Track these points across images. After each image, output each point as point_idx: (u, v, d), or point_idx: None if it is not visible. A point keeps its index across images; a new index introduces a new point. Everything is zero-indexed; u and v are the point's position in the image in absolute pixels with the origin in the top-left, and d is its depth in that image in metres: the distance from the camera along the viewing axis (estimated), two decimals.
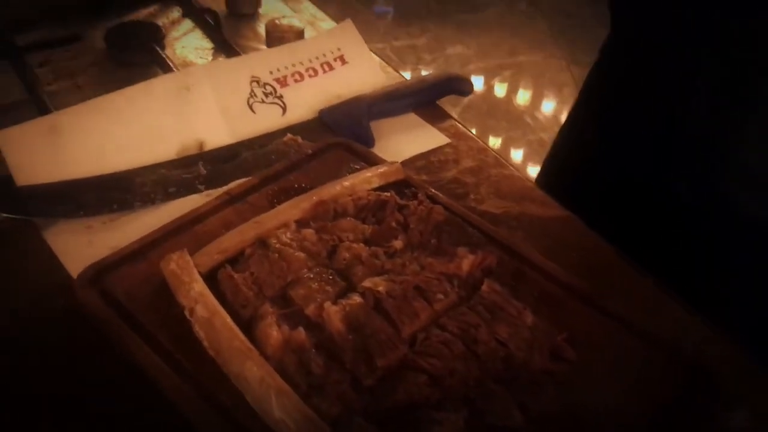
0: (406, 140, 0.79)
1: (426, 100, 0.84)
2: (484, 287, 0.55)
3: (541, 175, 1.05)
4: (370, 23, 3.22)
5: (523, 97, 2.88)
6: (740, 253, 0.80)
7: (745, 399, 0.56)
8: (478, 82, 2.88)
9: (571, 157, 1.00)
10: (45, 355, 0.57)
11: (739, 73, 0.74)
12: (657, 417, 0.52)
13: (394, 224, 0.60)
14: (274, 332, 0.52)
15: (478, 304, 0.54)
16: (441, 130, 0.81)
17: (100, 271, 0.59)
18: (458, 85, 0.85)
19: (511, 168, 0.78)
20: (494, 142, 2.63)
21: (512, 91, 2.90)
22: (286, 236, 0.59)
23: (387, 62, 0.92)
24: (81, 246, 0.65)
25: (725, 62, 0.75)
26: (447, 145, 0.79)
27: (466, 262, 0.57)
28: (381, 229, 0.60)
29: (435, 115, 0.83)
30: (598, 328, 0.58)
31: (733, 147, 0.77)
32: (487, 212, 0.72)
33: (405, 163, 0.75)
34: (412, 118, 0.83)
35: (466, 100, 2.66)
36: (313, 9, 1.00)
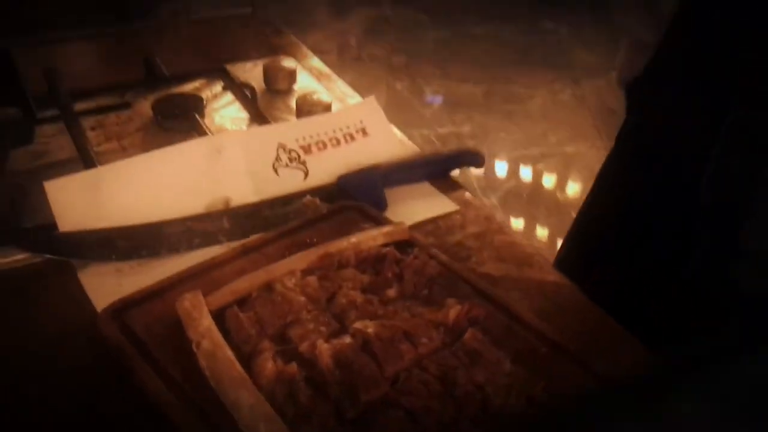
0: (416, 206, 0.85)
1: (439, 171, 0.90)
2: (467, 335, 0.60)
3: (559, 254, 1.09)
4: (417, 110, 3.34)
5: (572, 188, 2.90)
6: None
7: None
8: (525, 172, 2.92)
9: (588, 239, 1.04)
10: (68, 379, 0.63)
11: (751, 159, 0.79)
12: None
13: (390, 275, 0.65)
14: (269, 365, 0.57)
15: (460, 350, 0.59)
16: (452, 198, 0.87)
17: (122, 307, 0.66)
18: (470, 158, 0.91)
19: (514, 235, 0.83)
20: (541, 233, 2.62)
21: (558, 180, 2.93)
22: (290, 282, 0.65)
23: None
24: (110, 286, 0.71)
25: (737, 149, 0.79)
26: (455, 211, 0.85)
27: (453, 311, 0.62)
28: (377, 279, 0.65)
29: (447, 186, 0.89)
30: (580, 383, 0.61)
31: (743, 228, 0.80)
32: (488, 274, 0.76)
33: (414, 227, 0.80)
34: (426, 186, 0.89)
35: (510, 187, 2.71)
36: (344, 87, 1.08)
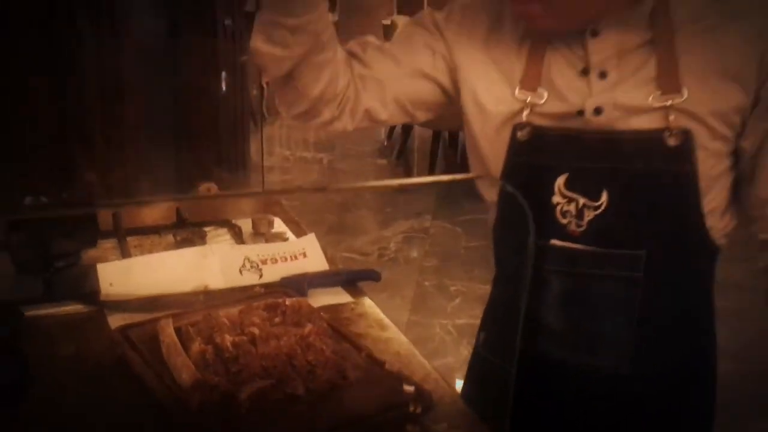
0: (326, 296, 1.31)
1: (348, 281, 1.37)
2: (307, 330, 1.05)
3: None
4: (440, 303, 3.81)
5: None
6: None
7: None
8: None
9: None
10: (95, 389, 1.09)
11: None
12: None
13: (279, 313, 1.12)
14: (195, 346, 1.03)
15: (302, 342, 1.03)
16: (352, 296, 1.33)
17: (128, 328, 1.14)
18: (370, 275, 1.38)
19: (392, 331, 1.26)
20: None
21: None
22: (222, 313, 1.12)
23: None
24: (123, 321, 1.19)
25: None
26: (350, 303, 1.31)
27: (308, 327, 1.07)
28: (269, 315, 1.12)
29: (353, 291, 1.36)
30: (377, 374, 1.03)
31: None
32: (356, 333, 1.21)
33: (321, 307, 1.26)
34: (338, 289, 1.36)
35: None
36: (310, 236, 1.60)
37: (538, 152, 1.05)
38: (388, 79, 1.11)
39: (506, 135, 1.06)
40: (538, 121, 1.04)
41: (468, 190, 4.96)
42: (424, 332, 3.52)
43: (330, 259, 1.46)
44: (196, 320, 1.12)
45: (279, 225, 1.61)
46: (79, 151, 2.39)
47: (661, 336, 1.07)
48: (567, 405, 1.10)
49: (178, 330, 1.10)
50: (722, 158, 1.01)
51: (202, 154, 2.97)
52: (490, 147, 1.10)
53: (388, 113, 1.13)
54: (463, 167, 1.28)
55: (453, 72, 1.11)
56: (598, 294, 1.04)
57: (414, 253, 4.44)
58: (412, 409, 0.98)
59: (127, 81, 2.47)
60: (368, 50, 1.12)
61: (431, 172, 5.75)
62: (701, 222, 1.01)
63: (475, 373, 1.27)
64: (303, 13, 0.99)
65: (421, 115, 1.16)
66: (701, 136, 0.98)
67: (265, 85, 6.25)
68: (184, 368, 1.00)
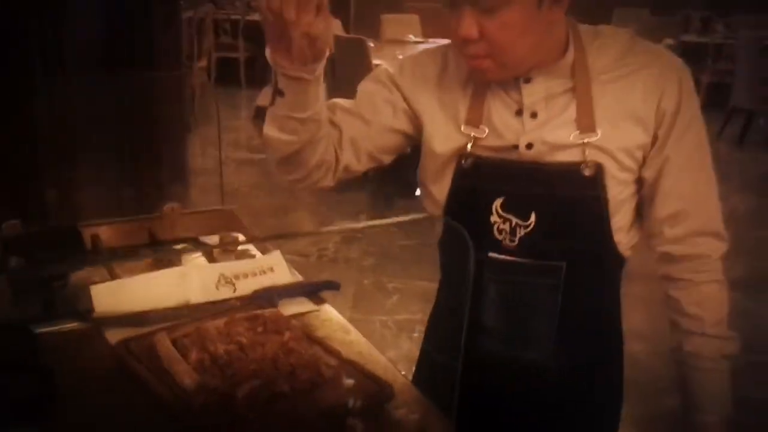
0: (293, 305, 1.51)
1: (311, 291, 1.57)
2: (286, 337, 1.25)
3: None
4: (379, 301, 4.03)
5: None
6: None
7: None
8: None
9: None
10: (103, 398, 1.26)
11: None
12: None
13: (260, 323, 1.32)
14: (193, 354, 1.22)
15: (285, 348, 1.23)
16: (315, 304, 1.54)
17: (128, 341, 1.31)
18: (330, 285, 1.59)
19: (354, 334, 1.46)
20: None
21: None
22: (213, 324, 1.30)
23: None
24: (119, 335, 1.37)
25: None
26: (314, 310, 1.51)
27: (287, 334, 1.27)
28: (252, 325, 1.31)
29: (315, 300, 1.56)
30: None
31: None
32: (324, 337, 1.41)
33: (291, 315, 1.46)
34: (303, 299, 1.56)
35: None
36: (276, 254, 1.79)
37: (479, 178, 1.27)
38: (361, 138, 1.32)
39: (452, 167, 1.28)
40: (480, 153, 1.27)
41: (400, 190, 5.21)
42: (366, 329, 3.70)
43: None
44: (189, 332, 1.30)
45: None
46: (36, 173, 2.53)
47: (578, 331, 1.31)
48: (504, 394, 1.34)
49: (174, 342, 1.28)
50: (628, 185, 1.26)
51: (146, 171, 3.14)
52: (436, 177, 1.32)
53: (361, 165, 1.35)
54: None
55: (414, 119, 1.33)
56: (528, 298, 1.28)
57: (352, 253, 4.65)
58: (352, 403, 1.18)
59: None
60: (337, 113, 1.32)
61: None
62: (611, 237, 1.26)
63: (422, 371, 1.50)
64: (312, 107, 1.19)
65: (389, 159, 1.38)
66: (611, 167, 1.22)
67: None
68: (185, 374, 1.19)
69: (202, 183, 5.03)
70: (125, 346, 1.30)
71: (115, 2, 3.00)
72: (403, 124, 1.33)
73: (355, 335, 1.45)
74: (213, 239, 1.77)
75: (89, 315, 1.42)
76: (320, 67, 1.15)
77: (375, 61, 5.30)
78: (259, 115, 6.56)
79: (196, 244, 1.78)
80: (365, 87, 1.35)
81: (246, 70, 8.88)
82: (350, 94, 1.36)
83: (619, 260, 1.30)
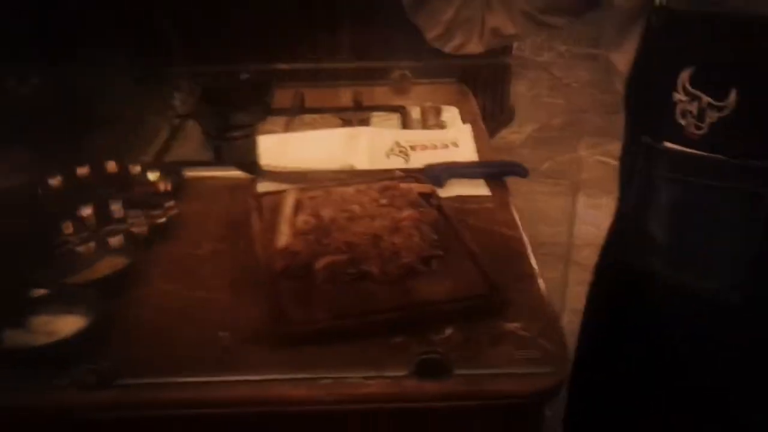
0: (464, 186, 1.29)
1: (492, 173, 1.33)
2: (404, 215, 1.06)
3: None
4: None
5: None
6: None
7: None
8: None
9: None
10: (222, 243, 1.22)
11: None
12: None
13: (388, 196, 1.14)
14: (301, 216, 1.10)
15: (394, 226, 1.05)
16: (492, 190, 1.29)
17: (262, 195, 1.24)
18: (517, 169, 1.32)
19: (517, 231, 1.20)
20: None
21: None
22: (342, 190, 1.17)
23: None
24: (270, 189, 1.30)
25: None
26: (485, 196, 1.27)
27: (407, 213, 1.08)
28: (380, 196, 1.14)
29: (496, 185, 1.32)
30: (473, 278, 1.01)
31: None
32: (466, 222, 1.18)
33: (455, 197, 1.25)
34: (480, 181, 1.32)
35: None
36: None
37: (668, 40, 0.91)
38: None
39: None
40: (676, 6, 0.90)
41: None
42: None
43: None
44: (316, 194, 1.18)
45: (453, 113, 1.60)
46: None
47: None
48: (661, 328, 0.99)
49: (299, 201, 1.17)
50: None
51: None
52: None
53: (517, 27, 1.14)
54: None
55: None
56: (714, 208, 0.90)
57: None
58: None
59: None
60: None
61: None
62: None
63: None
64: None
65: (555, 21, 1.08)
66: None
67: None
68: (282, 234, 1.07)
69: None
70: (257, 198, 1.23)
71: None
72: None
73: (516, 233, 1.19)
74: (416, 112, 1.60)
75: (253, 166, 1.38)
76: None
77: None
78: None
79: (399, 111, 1.63)
80: None
81: None
82: None
83: None
